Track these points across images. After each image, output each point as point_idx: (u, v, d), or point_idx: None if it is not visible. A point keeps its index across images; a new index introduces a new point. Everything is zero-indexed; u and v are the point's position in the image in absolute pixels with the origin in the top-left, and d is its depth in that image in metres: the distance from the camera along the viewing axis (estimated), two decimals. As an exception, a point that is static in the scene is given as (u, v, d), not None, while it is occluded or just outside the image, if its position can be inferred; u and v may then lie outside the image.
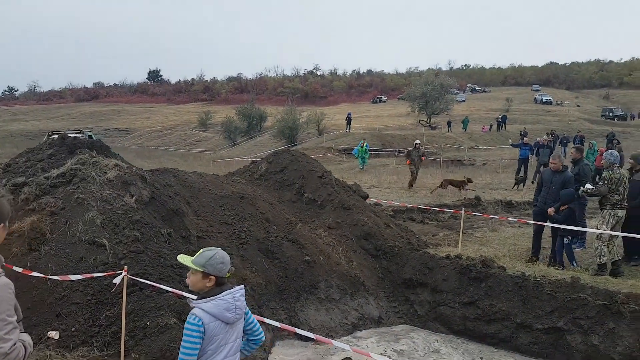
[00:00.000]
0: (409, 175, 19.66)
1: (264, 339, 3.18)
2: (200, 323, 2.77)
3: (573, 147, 10.94)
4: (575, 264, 8.51)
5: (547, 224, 8.72)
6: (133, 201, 6.55)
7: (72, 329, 4.90)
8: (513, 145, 24.88)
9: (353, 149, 26.94)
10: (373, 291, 8.32)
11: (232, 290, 2.91)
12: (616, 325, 6.45)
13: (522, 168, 20.50)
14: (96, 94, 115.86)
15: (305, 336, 7.01)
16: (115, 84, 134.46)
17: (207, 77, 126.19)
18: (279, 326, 3.57)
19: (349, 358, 4.19)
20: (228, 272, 2.91)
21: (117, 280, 4.57)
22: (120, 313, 4.79)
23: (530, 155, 21.08)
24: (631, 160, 8.84)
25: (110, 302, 5.18)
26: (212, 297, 2.84)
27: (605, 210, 7.99)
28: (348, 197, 10.17)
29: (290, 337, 6.99)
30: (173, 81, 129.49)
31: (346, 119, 45.78)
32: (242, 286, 3.02)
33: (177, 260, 5.20)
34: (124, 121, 74.52)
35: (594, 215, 12.64)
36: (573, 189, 8.84)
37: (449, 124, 46.73)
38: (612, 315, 6.50)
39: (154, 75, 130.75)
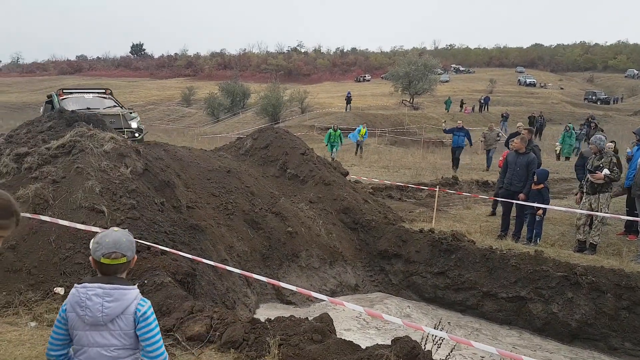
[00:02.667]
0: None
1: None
2: (64, 308, 2.33)
3: (525, 129, 11.31)
4: (539, 239, 9.11)
5: (538, 204, 8.91)
6: (128, 172, 6.97)
7: (77, 286, 5.34)
8: (445, 131, 20.19)
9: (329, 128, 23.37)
10: (350, 261, 8.87)
11: (91, 285, 2.29)
12: (574, 295, 6.99)
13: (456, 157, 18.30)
14: (79, 67, 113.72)
15: (288, 300, 7.59)
16: (98, 57, 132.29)
17: (191, 52, 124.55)
18: (266, 281, 4.04)
19: (326, 314, 4.72)
20: (106, 258, 2.26)
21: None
22: (120, 272, 5.24)
23: (466, 142, 18.30)
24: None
25: (110, 263, 5.61)
26: (77, 285, 2.36)
27: (608, 194, 8.34)
28: (329, 173, 10.63)
29: (273, 300, 7.53)
30: (156, 56, 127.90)
31: (346, 98, 45.16)
32: (115, 287, 2.28)
33: (169, 227, 5.61)
34: (107, 95, 73.29)
35: (566, 196, 13.27)
36: (547, 169, 9.39)
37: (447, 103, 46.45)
38: (571, 286, 7.03)
39: (137, 49, 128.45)
